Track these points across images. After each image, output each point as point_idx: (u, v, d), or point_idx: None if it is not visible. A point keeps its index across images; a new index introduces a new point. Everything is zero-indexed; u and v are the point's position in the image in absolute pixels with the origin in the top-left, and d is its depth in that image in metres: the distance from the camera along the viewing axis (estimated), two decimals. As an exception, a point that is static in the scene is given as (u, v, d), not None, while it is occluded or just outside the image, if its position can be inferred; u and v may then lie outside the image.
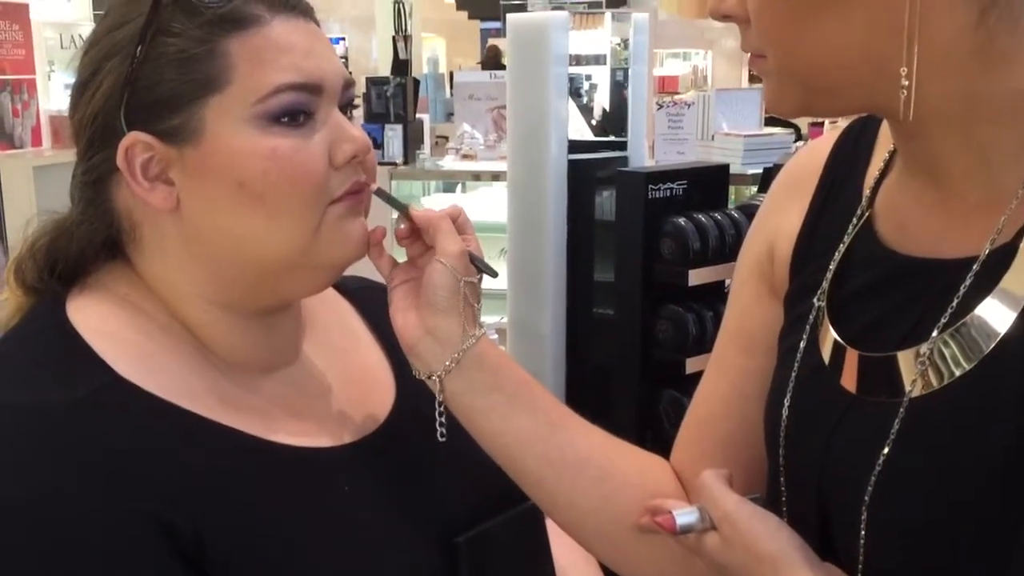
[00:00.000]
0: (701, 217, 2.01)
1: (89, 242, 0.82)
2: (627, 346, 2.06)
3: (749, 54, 0.74)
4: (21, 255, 0.84)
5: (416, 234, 0.85)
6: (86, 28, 5.75)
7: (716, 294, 2.05)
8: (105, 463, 0.71)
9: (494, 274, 0.85)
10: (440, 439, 0.85)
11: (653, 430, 2.06)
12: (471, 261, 0.84)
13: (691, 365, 2.02)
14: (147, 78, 0.77)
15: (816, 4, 0.67)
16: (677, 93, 7.84)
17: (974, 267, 0.68)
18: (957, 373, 0.67)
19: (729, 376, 0.90)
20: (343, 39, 9.07)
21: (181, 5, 0.77)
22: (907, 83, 0.66)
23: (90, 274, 0.83)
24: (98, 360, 0.76)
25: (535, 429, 0.84)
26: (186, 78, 0.76)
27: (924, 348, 0.69)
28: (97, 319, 0.80)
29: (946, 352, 0.68)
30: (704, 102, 3.82)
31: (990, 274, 0.68)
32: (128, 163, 0.78)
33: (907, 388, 0.69)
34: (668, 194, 2.01)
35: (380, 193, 0.83)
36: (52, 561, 0.68)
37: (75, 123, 0.81)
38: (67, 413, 0.72)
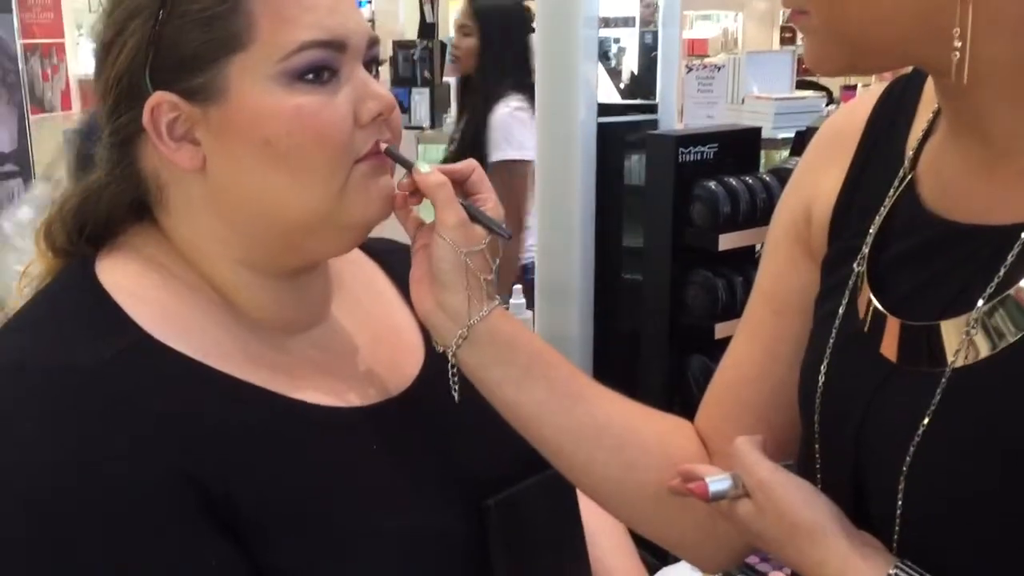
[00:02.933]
0: (732, 181, 1.98)
1: (117, 204, 0.83)
2: (656, 311, 2.04)
3: (788, 11, 0.72)
4: (51, 217, 0.85)
5: (419, 193, 0.84)
6: (114, -8, 5.75)
7: (746, 259, 2.03)
8: (135, 421, 0.71)
9: (507, 235, 0.84)
10: (456, 400, 0.85)
11: (681, 395, 2.05)
12: (478, 221, 0.82)
13: (720, 330, 2.01)
14: (171, 37, 0.76)
15: None
16: (707, 56, 7.75)
17: (1022, 235, 0.66)
18: (1003, 344, 0.66)
19: (760, 339, 0.89)
20: (369, 2, 9.02)
21: None
22: (959, 44, 0.64)
23: (118, 236, 0.84)
24: (127, 319, 0.77)
25: (551, 400, 0.85)
26: (209, 36, 0.76)
27: (970, 318, 0.67)
28: (126, 279, 0.80)
29: (992, 322, 0.66)
30: (734, 65, 3.77)
31: None
32: (154, 123, 0.78)
33: (950, 358, 0.68)
34: (699, 158, 1.98)
35: (389, 152, 0.82)
36: (86, 519, 0.68)
37: (100, 84, 0.81)
38: (97, 372, 0.73)
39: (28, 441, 0.70)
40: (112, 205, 0.83)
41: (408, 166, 0.84)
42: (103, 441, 0.70)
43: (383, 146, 0.82)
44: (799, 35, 0.74)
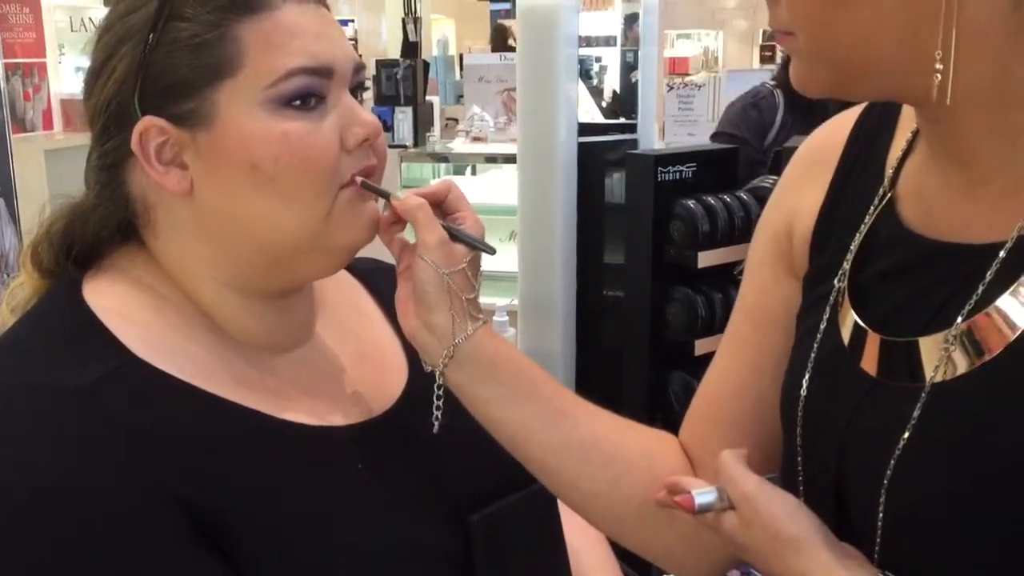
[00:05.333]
0: (711, 199, 2.01)
1: (104, 225, 0.83)
2: (637, 328, 2.06)
3: (776, 31, 0.72)
4: (37, 239, 0.85)
5: (402, 221, 0.85)
6: (95, 11, 5.75)
7: (725, 276, 2.05)
8: (121, 442, 0.72)
9: (491, 251, 0.84)
10: (435, 431, 0.86)
11: (663, 410, 2.07)
12: (458, 239, 0.83)
13: (700, 347, 2.03)
14: (160, 63, 0.77)
15: None
16: (687, 74, 7.80)
17: (1000, 254, 0.67)
18: (981, 360, 0.67)
19: (744, 353, 0.89)
20: (352, 21, 9.04)
21: None
22: (941, 67, 0.65)
23: (105, 257, 0.84)
24: (114, 341, 0.77)
25: (537, 418, 0.85)
26: (198, 63, 0.77)
27: (949, 335, 0.68)
28: (113, 300, 0.81)
29: (971, 339, 0.67)
30: (715, 83, 3.80)
31: (1017, 261, 0.67)
32: (142, 147, 0.78)
33: (929, 374, 0.69)
34: (678, 176, 2.01)
35: (365, 184, 0.83)
36: (74, 540, 0.68)
37: (90, 108, 0.82)
38: (83, 393, 0.73)
39: (19, 464, 0.70)
40: (99, 227, 0.83)
41: (385, 196, 0.84)
42: (89, 463, 0.70)
43: (358, 179, 0.82)
44: (779, 54, 0.74)
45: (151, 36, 0.77)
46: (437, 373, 0.84)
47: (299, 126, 0.78)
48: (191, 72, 0.77)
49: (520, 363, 0.86)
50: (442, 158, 5.05)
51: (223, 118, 0.77)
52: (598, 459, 0.86)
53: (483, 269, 0.86)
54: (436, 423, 0.86)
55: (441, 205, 0.85)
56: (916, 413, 0.68)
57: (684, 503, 0.77)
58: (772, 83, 2.82)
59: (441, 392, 0.85)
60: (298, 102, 0.78)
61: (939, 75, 0.65)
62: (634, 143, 2.30)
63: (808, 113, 2.71)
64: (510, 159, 4.39)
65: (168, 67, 0.77)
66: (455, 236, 0.83)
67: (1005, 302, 0.66)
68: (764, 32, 9.91)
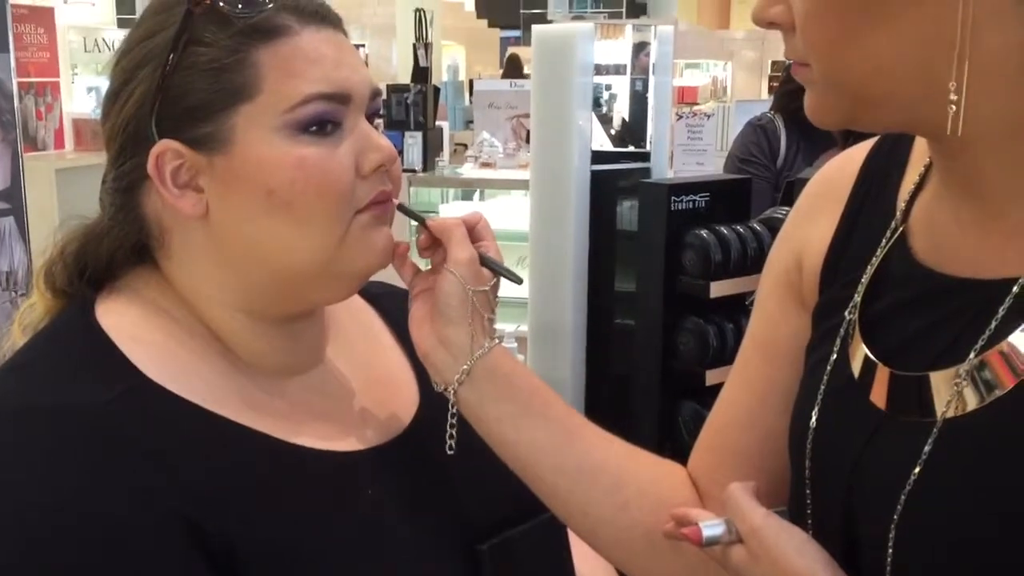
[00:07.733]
0: (723, 229, 2.01)
1: (119, 247, 0.83)
2: (647, 357, 2.06)
3: (792, 62, 0.73)
4: (51, 259, 0.85)
5: (436, 244, 0.86)
6: (110, 32, 5.81)
7: (737, 307, 2.05)
8: (132, 465, 0.71)
9: (518, 280, 0.86)
10: (449, 451, 0.86)
11: (672, 440, 2.06)
12: (488, 266, 0.84)
13: (711, 377, 2.02)
14: (178, 87, 0.77)
15: (866, 15, 0.66)
16: (696, 104, 7.82)
17: (1013, 289, 0.67)
18: (993, 396, 0.66)
19: (752, 385, 0.89)
20: (363, 46, 9.10)
21: (213, 15, 0.77)
22: (955, 98, 0.65)
23: (119, 279, 0.84)
24: (126, 363, 0.77)
25: (548, 439, 0.85)
26: (217, 87, 0.77)
27: (961, 369, 0.68)
28: (125, 322, 0.81)
29: (983, 375, 0.67)
30: (723, 113, 3.82)
31: None
32: (158, 170, 0.78)
33: (940, 409, 0.68)
34: (691, 206, 2.01)
35: (401, 208, 0.84)
36: (83, 564, 0.68)
37: (107, 130, 0.82)
38: (95, 415, 0.73)
39: (26, 486, 0.70)
40: (114, 248, 0.83)
41: (420, 220, 0.86)
42: (101, 485, 0.70)
43: (396, 201, 0.83)
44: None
45: (170, 60, 0.77)
46: (450, 391, 0.84)
47: (315, 152, 0.78)
48: (209, 96, 0.77)
49: (534, 383, 0.87)
50: (451, 183, 5.06)
51: (240, 142, 0.77)
52: (607, 483, 0.86)
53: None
54: (451, 440, 0.86)
55: (469, 232, 0.86)
56: (927, 448, 0.68)
57: (692, 535, 0.76)
58: (770, 112, 2.90)
59: (455, 410, 0.85)
60: (315, 128, 0.78)
61: (953, 107, 0.65)
62: (647, 172, 2.31)
63: (813, 137, 2.76)
64: (519, 185, 4.40)
65: (186, 91, 0.77)
66: (484, 262, 0.84)
67: (1018, 338, 0.66)
68: (772, 63, 9.95)
